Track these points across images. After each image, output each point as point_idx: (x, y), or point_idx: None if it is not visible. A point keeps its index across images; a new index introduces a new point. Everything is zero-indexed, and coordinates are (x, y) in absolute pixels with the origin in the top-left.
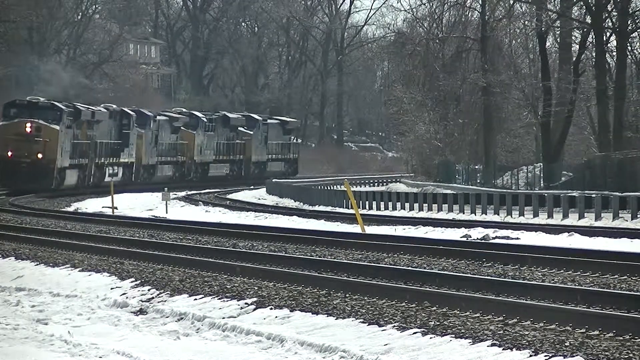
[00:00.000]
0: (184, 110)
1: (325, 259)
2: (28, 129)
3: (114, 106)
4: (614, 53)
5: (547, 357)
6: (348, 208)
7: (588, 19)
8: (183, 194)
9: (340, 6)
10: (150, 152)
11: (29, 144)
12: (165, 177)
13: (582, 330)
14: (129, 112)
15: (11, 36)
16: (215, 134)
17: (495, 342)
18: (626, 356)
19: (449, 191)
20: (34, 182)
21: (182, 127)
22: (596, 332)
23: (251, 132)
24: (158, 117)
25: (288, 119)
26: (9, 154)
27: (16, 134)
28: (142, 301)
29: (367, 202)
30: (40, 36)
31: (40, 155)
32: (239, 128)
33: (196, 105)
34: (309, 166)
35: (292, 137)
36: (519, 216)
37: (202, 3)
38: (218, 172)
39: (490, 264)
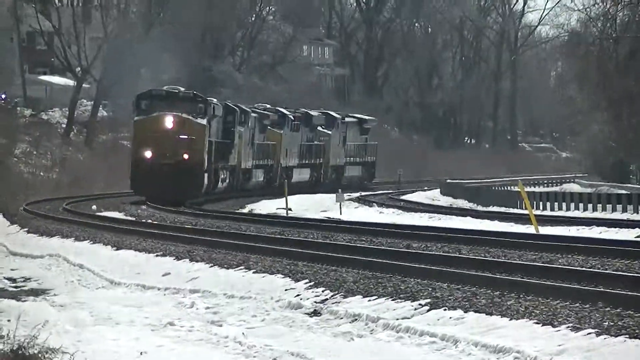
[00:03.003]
0: (269, 105)
1: (499, 259)
2: (170, 125)
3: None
4: None
5: None
6: (521, 209)
7: None
8: (357, 195)
9: (513, 6)
10: (247, 154)
11: (171, 143)
12: (257, 183)
13: None
14: (234, 107)
15: (184, 38)
16: (299, 134)
17: None
18: None
19: (623, 191)
20: (179, 188)
21: (269, 126)
22: None
23: (330, 132)
24: (252, 114)
25: (366, 117)
26: (148, 155)
27: (156, 130)
28: (316, 302)
29: (540, 203)
30: (214, 38)
31: (186, 156)
32: (318, 128)
33: (371, 107)
34: (482, 167)
35: (369, 137)
36: None
37: (375, 4)
38: (301, 177)
39: None
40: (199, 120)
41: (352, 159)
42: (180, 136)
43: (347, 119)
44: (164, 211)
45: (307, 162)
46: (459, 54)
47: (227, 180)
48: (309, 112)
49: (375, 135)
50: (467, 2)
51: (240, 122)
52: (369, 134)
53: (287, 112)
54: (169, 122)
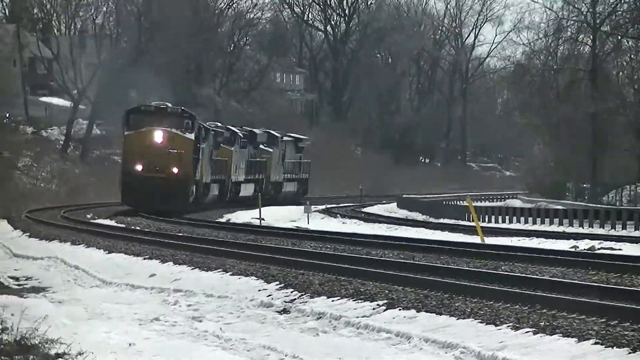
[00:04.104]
0: (219, 124)
1: (449, 266)
2: (160, 139)
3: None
4: None
5: None
6: (469, 221)
7: None
8: (322, 207)
9: (465, 40)
10: (207, 169)
11: (162, 156)
12: (214, 197)
13: None
14: (199, 124)
15: (170, 64)
16: (246, 151)
17: (598, 340)
18: None
19: (559, 207)
20: (168, 200)
21: (221, 143)
22: None
23: (271, 150)
24: (210, 132)
25: (301, 137)
26: (139, 167)
27: (146, 144)
28: (286, 302)
29: (486, 216)
30: (197, 65)
31: (176, 170)
32: (261, 145)
33: (337, 129)
34: (435, 184)
35: (304, 155)
36: (622, 229)
37: (341, 36)
38: (247, 192)
39: (595, 271)
40: (188, 135)
41: (289, 175)
42: (170, 150)
43: (285, 138)
44: (150, 219)
45: (252, 177)
46: (416, 82)
47: (194, 194)
48: (253, 130)
49: (340, 153)
50: (423, 36)
51: (203, 138)
52: (303, 152)
53: (237, 130)
54: (158, 136)
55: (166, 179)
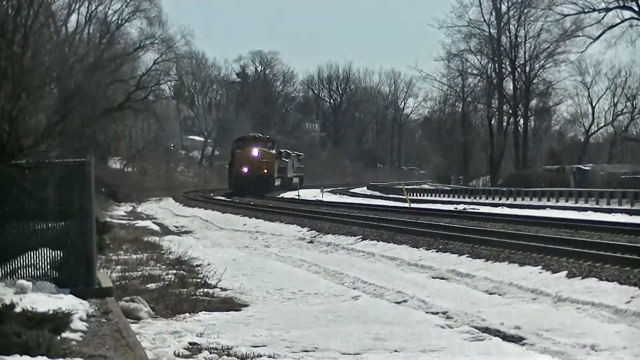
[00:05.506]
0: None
1: (391, 218)
2: (256, 154)
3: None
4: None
5: (490, 262)
6: (403, 196)
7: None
8: (329, 189)
9: (401, 104)
10: (276, 170)
11: (257, 164)
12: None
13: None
14: (281, 150)
15: (252, 116)
16: (278, 160)
17: (469, 256)
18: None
19: (447, 187)
20: (260, 188)
21: None
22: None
23: (287, 160)
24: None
25: (301, 153)
26: (245, 170)
27: (249, 157)
28: (312, 237)
29: (411, 193)
30: (267, 119)
31: (265, 171)
32: (283, 158)
33: (335, 151)
34: (385, 178)
35: (302, 163)
36: (479, 199)
37: (338, 104)
38: (278, 183)
39: (467, 221)
40: (271, 151)
41: (295, 173)
42: (262, 160)
43: (293, 154)
44: (245, 197)
45: (280, 175)
46: (375, 127)
47: (280, 183)
48: (280, 149)
49: (337, 163)
50: (379, 104)
51: (280, 156)
52: (302, 161)
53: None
54: (255, 152)
55: (260, 176)
